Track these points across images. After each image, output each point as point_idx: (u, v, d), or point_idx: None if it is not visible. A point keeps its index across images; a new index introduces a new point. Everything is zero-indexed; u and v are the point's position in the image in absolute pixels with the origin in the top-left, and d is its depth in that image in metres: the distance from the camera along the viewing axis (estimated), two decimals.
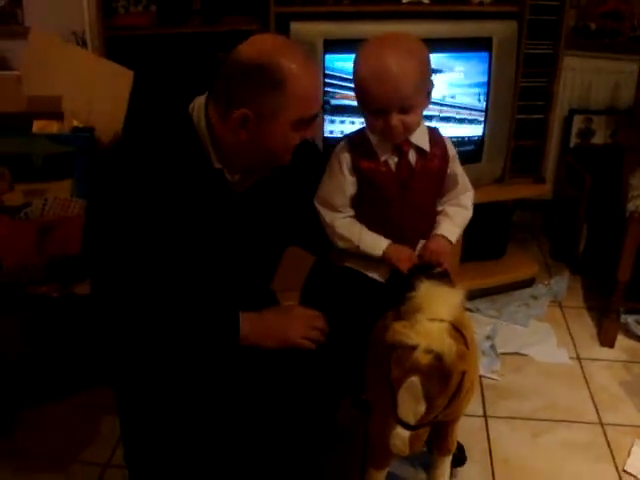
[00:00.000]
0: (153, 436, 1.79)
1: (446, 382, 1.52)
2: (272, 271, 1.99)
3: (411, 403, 1.52)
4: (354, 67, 1.78)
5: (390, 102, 1.72)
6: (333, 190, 1.86)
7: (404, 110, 1.74)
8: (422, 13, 2.91)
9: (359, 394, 2.27)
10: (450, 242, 1.90)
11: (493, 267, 3.33)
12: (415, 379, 1.50)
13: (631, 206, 2.85)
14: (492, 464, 2.32)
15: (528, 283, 3.36)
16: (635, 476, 2.28)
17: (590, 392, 2.68)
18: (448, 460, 2.07)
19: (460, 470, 2.25)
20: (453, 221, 1.93)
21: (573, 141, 3.68)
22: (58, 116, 2.54)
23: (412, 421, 1.53)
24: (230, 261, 1.76)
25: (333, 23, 2.76)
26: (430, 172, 1.87)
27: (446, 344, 1.50)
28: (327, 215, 1.87)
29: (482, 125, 3.01)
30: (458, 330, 1.57)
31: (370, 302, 1.86)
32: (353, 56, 1.78)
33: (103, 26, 2.78)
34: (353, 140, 1.87)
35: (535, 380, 2.75)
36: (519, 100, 3.15)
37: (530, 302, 3.24)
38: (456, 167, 1.93)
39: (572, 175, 3.58)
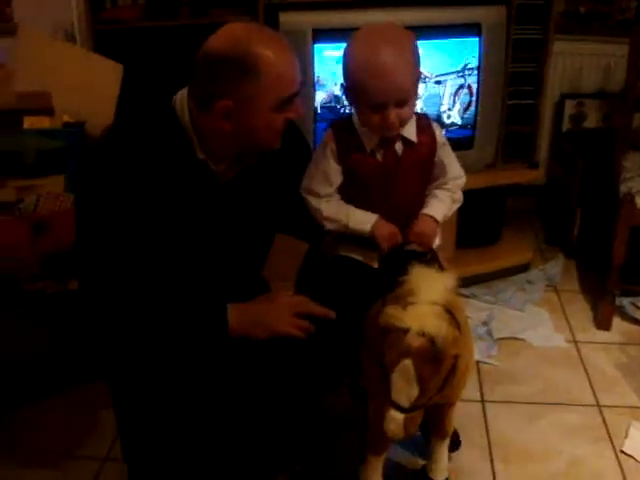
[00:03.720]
0: (148, 429, 1.80)
1: (438, 365, 1.53)
2: (262, 259, 1.98)
3: (404, 386, 1.52)
4: (347, 63, 1.77)
5: (388, 97, 1.72)
6: (319, 179, 1.86)
7: (400, 104, 1.74)
8: (410, 0, 2.90)
9: (356, 381, 2.28)
10: (437, 221, 1.90)
11: (488, 253, 3.33)
12: (408, 362, 1.50)
13: (624, 188, 2.85)
14: (490, 448, 2.33)
15: (523, 268, 3.36)
16: (632, 457, 2.29)
17: (587, 375, 2.69)
18: (445, 444, 2.07)
19: (459, 454, 2.26)
20: (440, 201, 1.92)
21: (565, 125, 3.69)
22: (49, 112, 2.54)
23: (406, 404, 1.54)
24: (217, 251, 1.76)
25: (321, 13, 2.76)
26: (417, 161, 1.86)
27: (438, 327, 1.50)
28: (313, 201, 1.87)
29: (473, 111, 3.00)
30: (450, 313, 1.57)
31: (364, 288, 1.86)
32: (342, 45, 1.78)
33: (91, 20, 2.77)
34: (339, 129, 1.86)
35: (532, 364, 2.75)
36: (510, 86, 3.15)
37: (526, 287, 3.24)
38: (444, 155, 1.92)
39: (565, 159, 3.58)
